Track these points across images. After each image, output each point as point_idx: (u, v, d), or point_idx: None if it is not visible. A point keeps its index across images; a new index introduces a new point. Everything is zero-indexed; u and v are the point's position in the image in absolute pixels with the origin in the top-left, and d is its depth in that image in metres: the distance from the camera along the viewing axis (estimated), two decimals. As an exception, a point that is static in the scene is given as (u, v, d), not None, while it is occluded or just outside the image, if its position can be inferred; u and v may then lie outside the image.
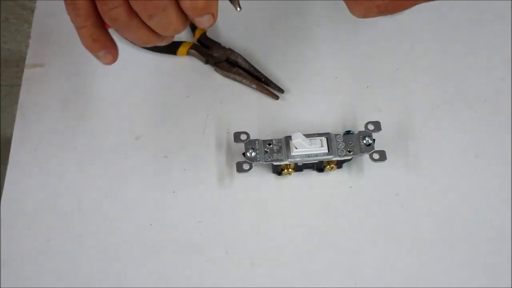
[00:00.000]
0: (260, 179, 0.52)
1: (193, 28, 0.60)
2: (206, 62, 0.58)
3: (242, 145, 0.51)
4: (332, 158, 0.50)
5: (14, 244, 0.50)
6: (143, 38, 0.40)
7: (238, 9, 0.43)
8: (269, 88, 0.57)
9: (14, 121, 0.55)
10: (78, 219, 0.51)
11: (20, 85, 0.57)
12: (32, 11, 0.60)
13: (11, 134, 0.55)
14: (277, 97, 0.56)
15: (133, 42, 0.42)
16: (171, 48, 0.58)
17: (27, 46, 0.59)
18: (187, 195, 0.52)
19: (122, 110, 0.56)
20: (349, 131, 0.51)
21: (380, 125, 0.52)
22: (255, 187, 0.52)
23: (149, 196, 0.52)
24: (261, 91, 0.57)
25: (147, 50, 0.59)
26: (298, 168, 0.52)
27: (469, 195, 0.52)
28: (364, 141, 0.51)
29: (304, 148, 0.50)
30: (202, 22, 0.39)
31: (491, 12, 0.61)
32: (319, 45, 0.60)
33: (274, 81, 0.57)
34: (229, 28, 0.60)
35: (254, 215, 0.51)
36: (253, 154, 0.50)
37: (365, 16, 0.41)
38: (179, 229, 0.50)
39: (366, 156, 0.51)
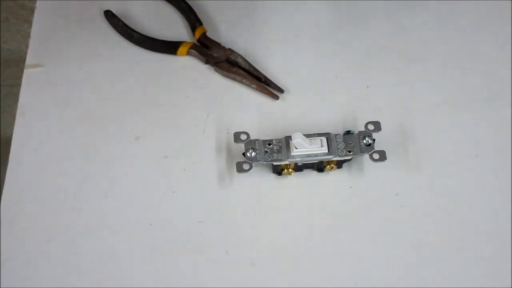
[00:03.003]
0: (260, 179, 0.52)
1: (193, 28, 0.60)
2: (206, 62, 0.58)
3: (242, 145, 0.51)
4: (332, 158, 0.50)
5: (14, 244, 0.50)
6: None
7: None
8: (269, 88, 0.57)
9: (14, 121, 0.55)
10: (78, 219, 0.51)
11: (20, 85, 0.57)
12: (32, 11, 0.60)
13: (11, 134, 0.54)
14: (277, 97, 0.56)
15: None
16: (171, 48, 0.58)
17: (27, 46, 0.59)
18: (187, 195, 0.52)
19: (122, 110, 0.56)
20: (349, 131, 0.51)
21: (380, 125, 0.52)
22: (255, 187, 0.52)
23: (149, 196, 0.52)
24: (261, 91, 0.57)
25: (147, 50, 0.59)
26: (298, 168, 0.52)
27: (469, 195, 0.52)
28: (364, 141, 0.50)
29: (304, 148, 0.50)
30: None
31: (491, 12, 0.61)
32: (319, 45, 0.60)
33: (274, 81, 0.57)
34: (229, 28, 0.60)
35: (254, 215, 0.51)
36: (253, 154, 0.50)
37: None
38: (179, 229, 0.50)
39: (366, 156, 0.51)
